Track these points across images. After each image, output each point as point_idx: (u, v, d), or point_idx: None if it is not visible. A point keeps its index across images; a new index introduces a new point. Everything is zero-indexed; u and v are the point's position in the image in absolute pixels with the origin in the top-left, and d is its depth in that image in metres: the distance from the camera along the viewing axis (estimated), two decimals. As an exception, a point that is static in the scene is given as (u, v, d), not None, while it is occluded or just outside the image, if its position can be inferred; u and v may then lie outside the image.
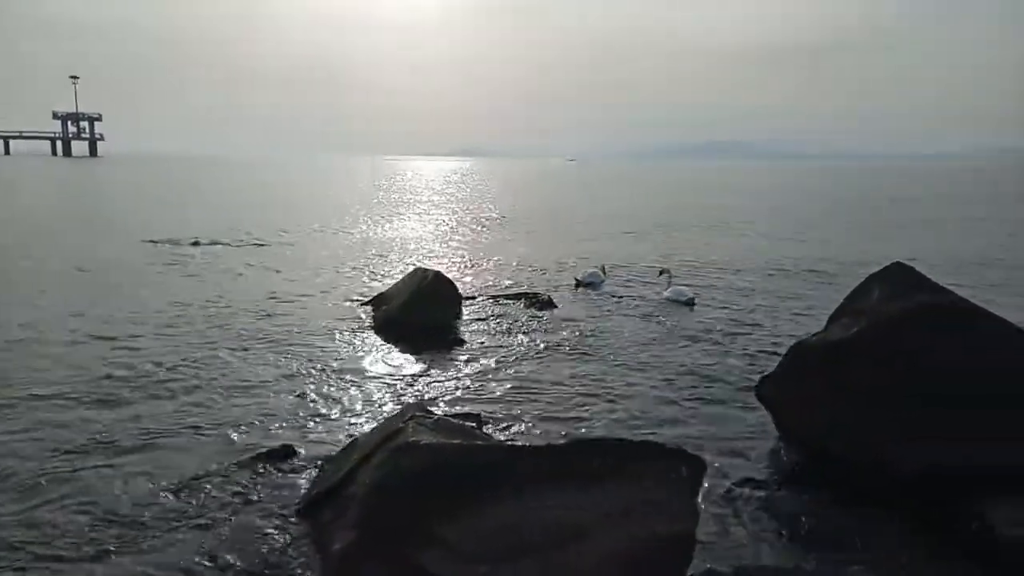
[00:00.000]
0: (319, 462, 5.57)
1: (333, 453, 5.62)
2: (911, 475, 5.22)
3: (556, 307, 11.34)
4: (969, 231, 24.39)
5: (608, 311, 11.37)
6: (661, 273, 12.83)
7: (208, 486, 5.28)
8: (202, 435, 6.26)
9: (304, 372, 8.05)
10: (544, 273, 14.87)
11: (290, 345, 9.13)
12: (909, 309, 5.85)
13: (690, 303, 11.65)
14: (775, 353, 8.24)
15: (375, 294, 11.67)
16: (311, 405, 7.03)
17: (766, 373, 6.56)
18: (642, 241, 20.93)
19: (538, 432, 6.34)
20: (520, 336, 9.68)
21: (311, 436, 6.26)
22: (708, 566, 3.94)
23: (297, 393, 7.35)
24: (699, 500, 3.88)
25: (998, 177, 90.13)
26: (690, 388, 7.66)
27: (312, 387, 7.55)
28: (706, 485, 4.50)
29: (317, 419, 6.68)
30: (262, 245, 18.61)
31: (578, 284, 13.21)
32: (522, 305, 11.42)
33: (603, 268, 13.84)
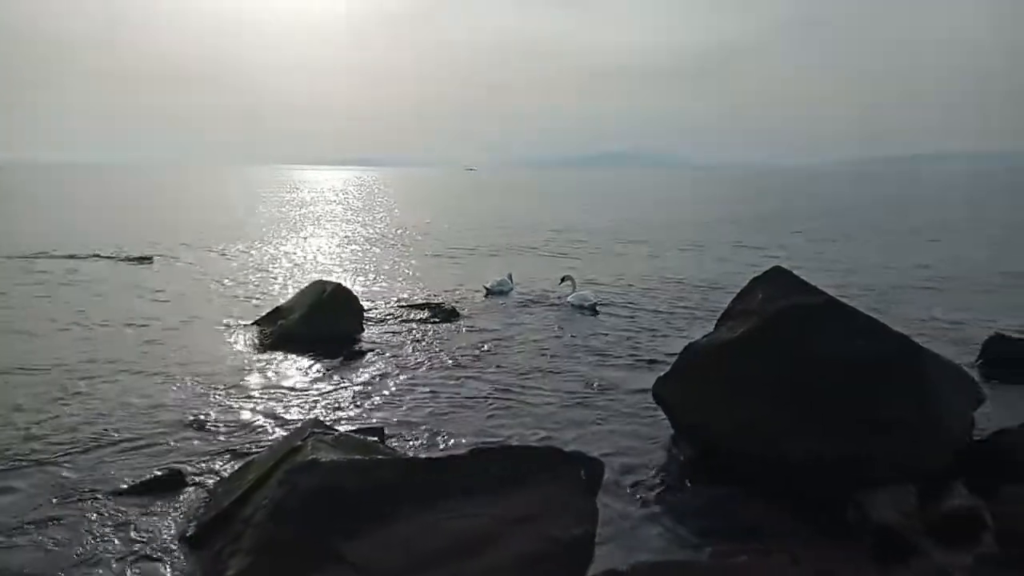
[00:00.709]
0: (210, 486, 5.30)
1: (226, 476, 5.37)
2: (797, 464, 5.58)
3: (461, 316, 11.34)
4: (833, 238, 26.25)
5: (513, 319, 11.47)
6: (563, 280, 13.04)
7: (89, 518, 4.90)
8: (81, 464, 5.80)
9: (193, 393, 7.64)
10: (450, 283, 14.84)
11: (178, 364, 8.65)
12: (789, 308, 6.23)
13: (593, 309, 11.93)
14: (672, 354, 8.55)
15: (271, 308, 11.24)
16: (201, 427, 6.66)
17: (662, 374, 6.80)
18: (544, 249, 21.27)
19: (442, 443, 6.30)
20: (424, 347, 9.61)
21: (201, 460, 5.93)
22: (608, 565, 4.03)
23: (186, 415, 6.95)
24: (599, 501, 3.97)
25: (875, 183, 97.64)
26: (591, 392, 7.83)
27: (202, 408, 7.16)
28: (606, 485, 4.61)
29: (208, 442, 6.34)
30: (145, 260, 17.52)
31: (488, 293, 13.27)
32: (426, 315, 11.34)
33: (510, 276, 13.93)
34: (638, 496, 5.44)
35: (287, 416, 7.01)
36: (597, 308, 11.96)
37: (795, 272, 6.86)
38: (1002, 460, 5.66)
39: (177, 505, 5.10)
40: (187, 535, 4.61)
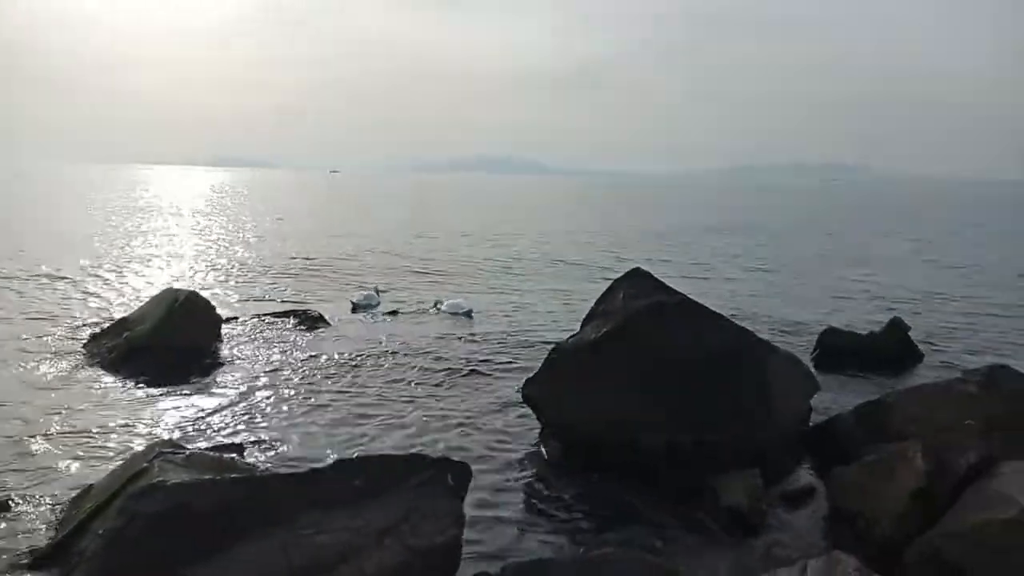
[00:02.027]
0: (44, 516, 4.78)
1: (63, 503, 4.87)
2: (657, 453, 5.89)
3: (328, 323, 10.93)
4: (691, 240, 27.97)
5: (383, 326, 11.20)
6: (435, 305, 12.64)
7: None
8: None
9: (26, 415, 6.86)
10: (315, 290, 14.31)
11: (7, 387, 7.74)
12: (647, 307, 6.54)
13: (468, 315, 11.90)
14: (541, 355, 8.71)
15: (116, 318, 10.29)
16: (35, 451, 6.00)
17: (531, 375, 6.92)
18: (412, 255, 21.03)
19: (306, 456, 6.04)
20: (288, 356, 9.18)
21: (34, 487, 5.34)
22: (476, 569, 4.03)
23: (17, 439, 6.23)
24: (467, 505, 3.97)
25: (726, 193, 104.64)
26: (462, 396, 7.82)
27: (36, 430, 6.44)
28: (474, 489, 4.61)
29: (42, 467, 5.72)
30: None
31: (354, 307, 12.46)
32: (291, 323, 10.83)
33: (376, 289, 13.48)
34: (507, 497, 5.50)
35: (133, 437, 6.45)
36: (472, 314, 11.94)
37: (653, 273, 7.21)
38: (834, 443, 6.22)
39: (8, 537, 4.56)
40: (19, 569, 4.12)
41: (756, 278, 17.16)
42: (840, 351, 9.52)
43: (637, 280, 7.05)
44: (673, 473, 5.79)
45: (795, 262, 20.32)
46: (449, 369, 8.84)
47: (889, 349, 9.46)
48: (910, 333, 9.68)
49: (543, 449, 6.51)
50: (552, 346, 7.01)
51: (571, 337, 7.00)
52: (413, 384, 8.24)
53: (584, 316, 7.30)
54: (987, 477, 4.57)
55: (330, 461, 4.10)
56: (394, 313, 12.07)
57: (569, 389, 6.44)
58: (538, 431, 6.77)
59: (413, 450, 5.96)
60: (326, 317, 11.15)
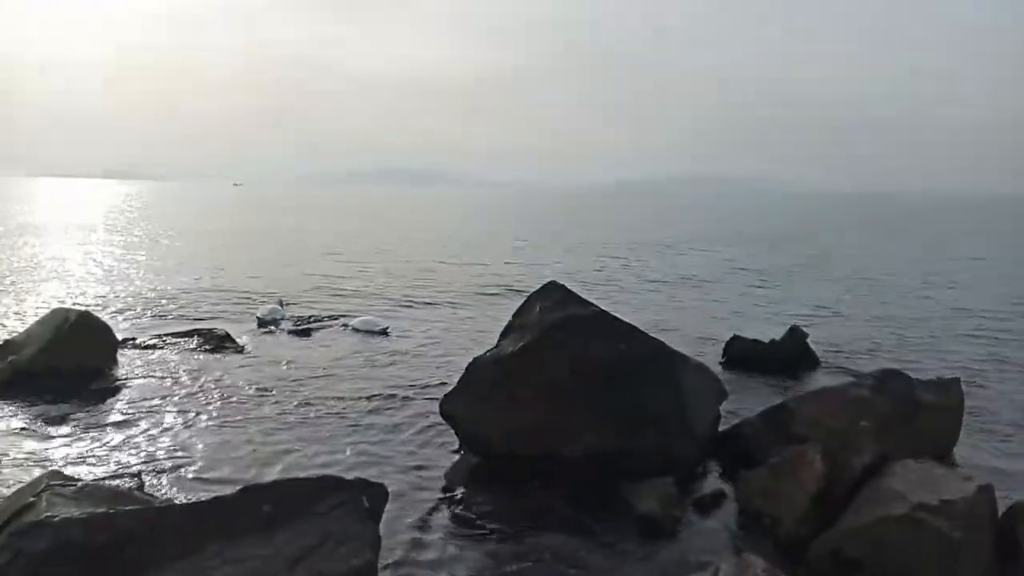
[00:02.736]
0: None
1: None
2: (575, 464, 5.97)
3: (235, 342, 10.46)
4: (602, 252, 28.64)
5: (292, 345, 10.81)
6: (344, 323, 12.22)
7: None
8: None
9: None
10: (219, 306, 13.71)
11: None
12: (563, 319, 6.62)
13: (384, 332, 11.67)
14: (460, 369, 8.65)
15: (-1, 342, 9.52)
16: None
17: (449, 391, 6.86)
18: (319, 270, 20.52)
19: (211, 484, 5.74)
20: (191, 379, 8.71)
21: None
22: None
23: None
24: (383, 526, 3.87)
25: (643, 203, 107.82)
26: (378, 415, 7.64)
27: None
28: (392, 509, 4.52)
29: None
30: None
31: (260, 323, 12.06)
32: (194, 343, 10.30)
33: (281, 302, 13.01)
34: (426, 517, 5.41)
35: (18, 469, 5.96)
36: (387, 331, 11.73)
37: (568, 286, 7.30)
38: (742, 447, 6.47)
39: None
40: None
41: (662, 290, 17.70)
42: (745, 358, 9.95)
43: (553, 293, 7.12)
44: (591, 482, 5.88)
45: (697, 274, 21.05)
46: (363, 388, 8.61)
47: (790, 355, 9.95)
48: (808, 340, 10.20)
49: (463, 465, 6.46)
50: (469, 361, 6.97)
51: (489, 351, 7.00)
52: (326, 404, 7.96)
53: (501, 330, 7.31)
54: (880, 476, 4.86)
55: (236, 488, 3.90)
56: (306, 332, 11.62)
57: (487, 403, 6.44)
58: (457, 448, 6.72)
59: (327, 473, 5.77)
60: (232, 335, 10.67)
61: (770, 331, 11.15)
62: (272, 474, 5.98)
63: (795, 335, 10.18)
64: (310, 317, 12.67)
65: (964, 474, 5.31)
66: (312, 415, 7.60)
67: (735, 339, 10.35)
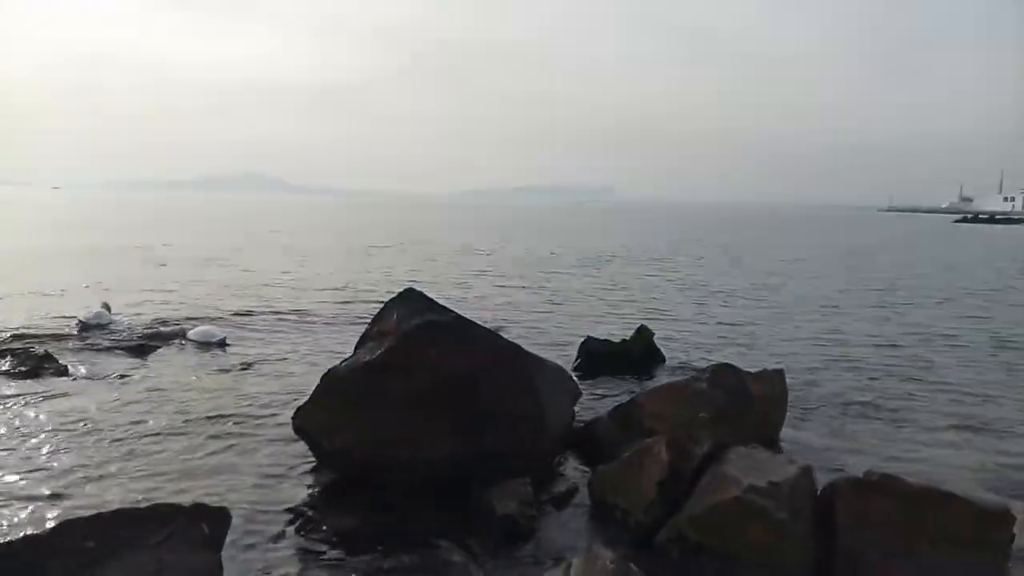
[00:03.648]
0: None
1: None
2: (436, 470, 5.93)
3: (56, 362, 9.40)
4: (454, 260, 28.88)
5: (122, 360, 9.89)
6: (182, 335, 11.39)
7: None
8: None
9: None
10: (33, 319, 12.27)
11: None
12: (421, 326, 6.56)
13: (222, 344, 10.98)
14: (313, 382, 8.34)
15: None
16: None
17: (301, 405, 6.58)
18: (149, 276, 19.12)
19: (23, 522, 5.14)
20: (3, 407, 7.76)
21: None
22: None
23: None
24: (226, 555, 3.63)
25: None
26: (223, 434, 7.18)
27: None
28: (237, 536, 4.26)
29: None
30: None
31: (82, 327, 11.14)
32: (7, 366, 9.16)
33: (107, 306, 11.94)
34: (277, 540, 5.14)
35: None
36: (225, 343, 11.05)
37: (426, 293, 7.26)
38: (595, 443, 6.74)
39: None
40: None
41: (517, 296, 18.06)
42: (598, 357, 10.37)
43: (410, 300, 7.05)
44: (452, 489, 5.87)
45: (551, 280, 21.70)
46: (204, 406, 8.05)
47: (638, 353, 10.50)
48: (654, 339, 10.82)
49: (319, 482, 6.23)
50: (321, 372, 6.73)
51: (344, 361, 6.80)
52: (162, 426, 7.36)
53: (354, 340, 7.14)
54: (718, 463, 5.23)
55: (53, 524, 3.50)
56: (137, 346, 10.66)
57: (345, 415, 6.25)
58: (312, 464, 6.46)
59: (165, 499, 5.34)
60: (53, 354, 9.61)
61: (620, 332, 11.71)
62: (97, 507, 5.44)
63: (643, 334, 10.76)
64: (140, 326, 11.72)
65: (788, 457, 5.84)
66: (147, 438, 7.01)
67: (588, 340, 10.76)
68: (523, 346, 7.07)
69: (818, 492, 5.09)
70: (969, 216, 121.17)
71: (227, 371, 9.59)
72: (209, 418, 7.68)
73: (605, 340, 10.83)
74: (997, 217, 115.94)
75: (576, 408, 7.44)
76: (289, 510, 5.63)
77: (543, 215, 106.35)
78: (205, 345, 10.84)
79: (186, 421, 7.57)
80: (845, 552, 4.77)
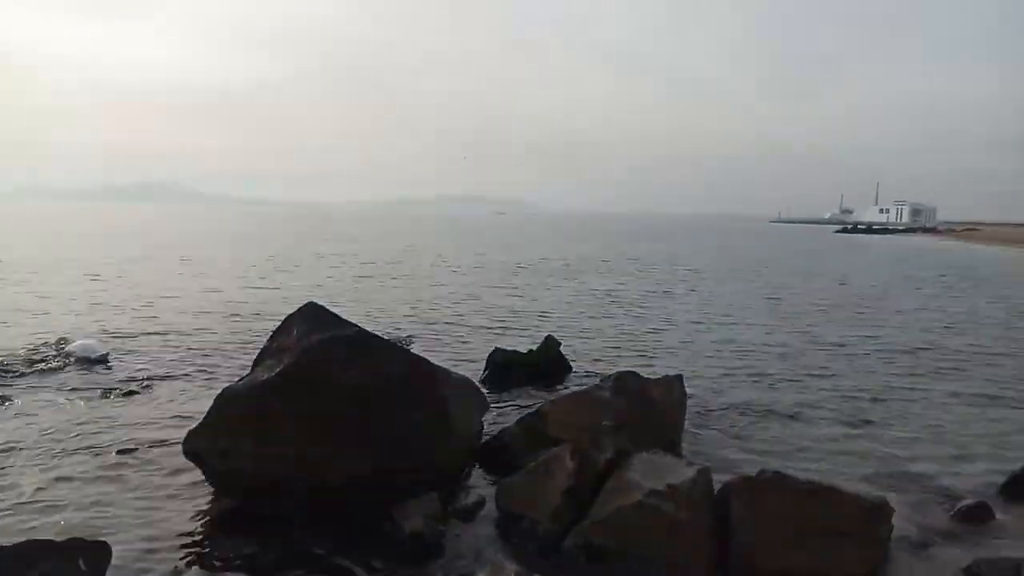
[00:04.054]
0: None
1: None
2: (340, 489, 5.75)
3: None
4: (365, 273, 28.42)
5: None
6: (58, 346, 10.71)
7: None
8: None
9: None
10: None
11: None
12: (323, 341, 6.38)
13: (103, 360, 10.27)
14: (207, 403, 7.94)
15: None
16: None
17: (193, 428, 6.24)
18: (25, 289, 17.82)
19: None
20: None
21: None
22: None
23: None
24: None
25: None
26: (107, 461, 6.71)
27: None
28: (120, 570, 3.98)
29: None
30: None
31: None
32: None
33: None
34: (166, 573, 4.84)
35: None
36: (109, 358, 10.35)
37: (327, 307, 7.07)
38: (504, 455, 6.74)
39: None
40: None
41: (421, 308, 17.93)
42: (506, 368, 10.40)
43: (312, 314, 6.85)
44: (358, 508, 5.72)
45: (455, 291, 21.67)
46: (85, 430, 7.51)
47: (545, 363, 10.62)
48: (560, 349, 10.97)
49: (213, 509, 5.90)
50: (216, 393, 6.42)
51: (241, 380, 6.51)
52: (36, 454, 6.80)
53: (255, 356, 6.86)
54: (621, 468, 5.35)
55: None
56: (7, 366, 9.86)
57: (241, 436, 5.96)
58: (207, 491, 6.13)
59: (38, 536, 4.93)
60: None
61: (528, 342, 11.81)
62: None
63: (550, 345, 10.90)
64: (16, 345, 10.82)
65: (688, 460, 6.04)
66: (18, 468, 6.46)
67: (496, 351, 10.78)
68: (430, 359, 7.01)
69: (715, 492, 5.29)
70: (849, 227, 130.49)
71: (110, 392, 8.97)
72: (89, 444, 7.16)
73: (513, 351, 10.90)
74: (874, 228, 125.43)
75: (485, 420, 7.43)
76: (180, 541, 5.31)
77: (459, 226, 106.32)
78: (85, 362, 10.09)
79: (63, 448, 7.02)
80: (740, 548, 4.98)
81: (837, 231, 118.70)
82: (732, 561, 4.96)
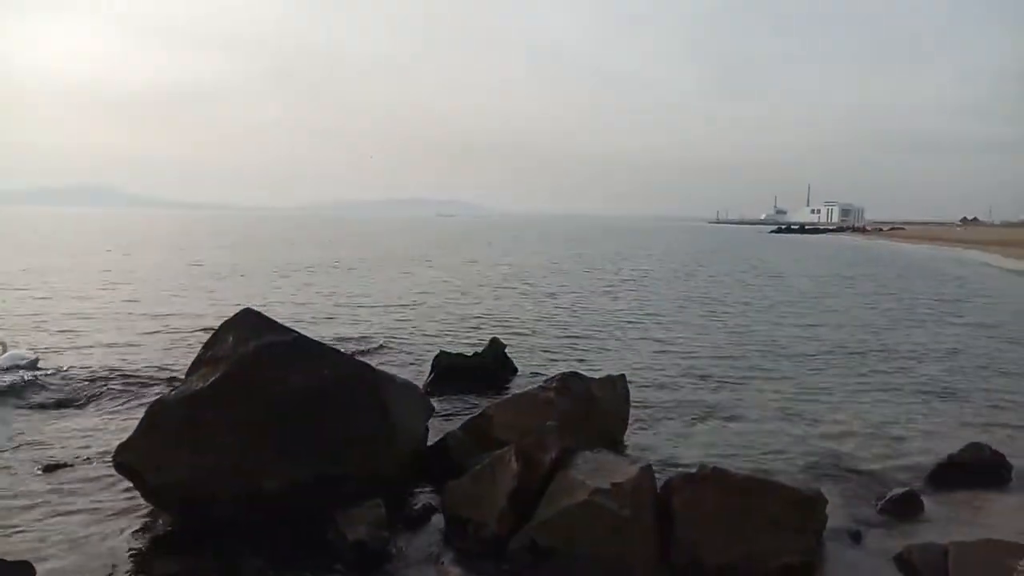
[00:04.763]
0: None
1: None
2: (280, 496, 5.60)
3: None
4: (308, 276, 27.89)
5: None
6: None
7: None
8: None
9: None
10: None
11: None
12: (259, 348, 6.21)
13: (33, 367, 9.76)
14: (135, 413, 7.62)
15: None
16: None
17: (124, 440, 5.98)
18: None
19: None
20: None
21: None
22: None
23: None
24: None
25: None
26: (34, 476, 6.42)
27: None
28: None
29: None
30: None
31: None
32: None
33: None
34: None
35: None
36: (37, 365, 9.85)
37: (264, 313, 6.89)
38: (448, 459, 6.67)
39: None
40: None
41: (364, 311, 17.70)
42: (452, 371, 10.31)
43: (248, 321, 6.66)
44: (299, 516, 5.58)
45: (400, 294, 21.46)
46: (13, 444, 7.17)
47: (491, 365, 10.58)
48: (506, 351, 10.96)
49: (146, 524, 5.67)
50: (148, 403, 6.18)
51: (174, 389, 6.28)
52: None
53: (189, 364, 6.63)
54: (566, 468, 5.36)
55: None
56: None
57: (174, 449, 5.73)
58: (138, 505, 5.88)
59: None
60: None
61: (473, 345, 11.77)
62: None
63: (495, 347, 10.87)
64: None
65: (632, 458, 6.10)
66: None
67: (441, 354, 10.69)
68: (372, 364, 6.91)
69: (658, 489, 5.35)
70: (783, 227, 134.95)
71: (38, 401, 8.59)
72: (12, 461, 6.80)
73: (458, 354, 10.82)
74: (806, 228, 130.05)
75: (430, 424, 7.34)
76: (113, 557, 5.09)
77: (399, 228, 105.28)
78: (13, 371, 9.57)
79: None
80: (682, 542, 5.06)
81: (772, 231, 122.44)
82: (675, 556, 5.03)
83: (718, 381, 10.91)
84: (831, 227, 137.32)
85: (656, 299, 21.78)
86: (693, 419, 8.85)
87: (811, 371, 11.78)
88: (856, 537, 5.68)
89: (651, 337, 14.84)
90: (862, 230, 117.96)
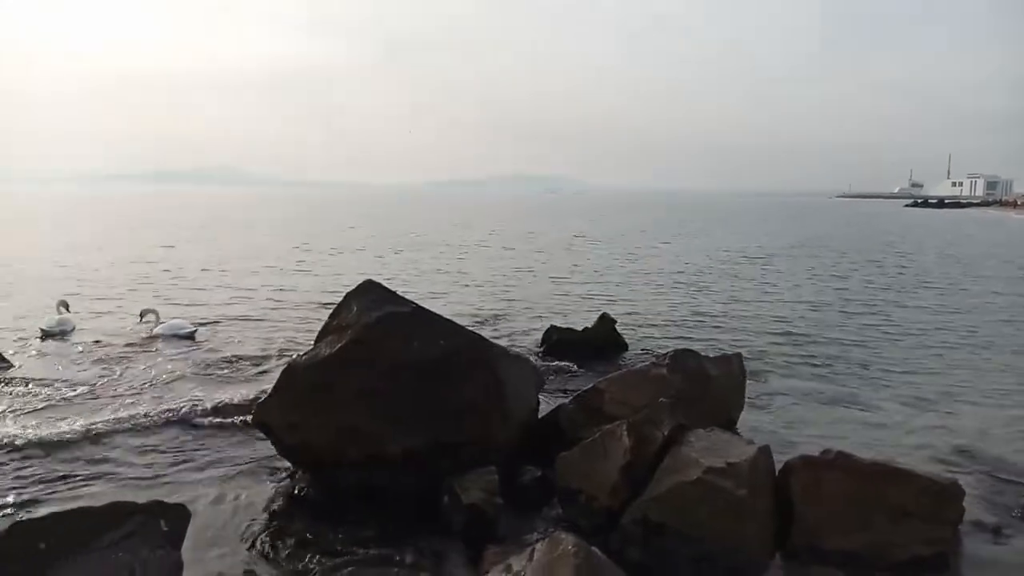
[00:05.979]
0: None
1: None
2: (399, 463, 5.89)
3: (7, 362, 9.11)
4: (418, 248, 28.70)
5: (85, 358, 9.67)
6: (143, 315, 11.36)
7: None
8: None
9: None
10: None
11: None
12: (381, 318, 6.51)
13: (191, 336, 10.78)
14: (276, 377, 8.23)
15: None
16: None
17: (261, 400, 6.49)
18: (103, 272, 18.67)
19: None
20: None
21: None
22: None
23: None
24: (187, 552, 3.57)
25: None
26: (186, 430, 7.10)
27: None
28: (197, 533, 4.19)
29: None
30: None
31: (44, 335, 10.76)
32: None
33: (66, 305, 11.49)
34: (239, 536, 5.08)
35: None
36: (196, 336, 10.86)
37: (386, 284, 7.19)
38: (559, 431, 6.76)
39: None
40: None
41: (479, 286, 18.06)
42: (561, 346, 10.42)
43: (370, 292, 6.97)
44: (418, 480, 5.84)
45: (516, 270, 21.71)
46: (167, 400, 7.95)
47: (601, 340, 10.59)
48: (616, 326, 10.91)
49: (280, 478, 6.15)
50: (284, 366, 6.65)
51: (304, 355, 6.71)
52: (121, 421, 7.22)
53: (318, 331, 7.05)
54: (678, 445, 5.31)
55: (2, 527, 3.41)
56: (98, 340, 10.51)
57: (305, 410, 6.16)
58: (276, 460, 6.38)
59: (119, 498, 5.23)
60: (4, 355, 9.33)
61: (583, 319, 11.79)
62: (52, 507, 5.31)
63: (604, 322, 10.85)
64: (103, 328, 11.45)
65: (747, 439, 5.94)
66: (105, 434, 6.87)
67: (552, 329, 10.81)
68: (486, 336, 7.08)
69: (776, 472, 5.20)
70: (919, 201, 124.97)
71: (192, 365, 9.46)
72: (169, 411, 7.57)
73: (568, 328, 10.90)
74: (946, 201, 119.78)
75: (540, 396, 7.46)
76: (250, 506, 5.57)
77: (509, 205, 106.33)
78: (173, 339, 10.63)
79: (145, 414, 7.45)
80: (803, 527, 4.90)
81: (908, 205, 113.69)
82: (794, 541, 4.89)
83: (837, 363, 10.38)
84: (975, 201, 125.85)
85: (780, 278, 20.83)
86: (813, 403, 8.50)
87: (951, 365, 10.77)
88: (996, 532, 5.29)
89: (769, 317, 14.26)
90: (1012, 204, 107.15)
